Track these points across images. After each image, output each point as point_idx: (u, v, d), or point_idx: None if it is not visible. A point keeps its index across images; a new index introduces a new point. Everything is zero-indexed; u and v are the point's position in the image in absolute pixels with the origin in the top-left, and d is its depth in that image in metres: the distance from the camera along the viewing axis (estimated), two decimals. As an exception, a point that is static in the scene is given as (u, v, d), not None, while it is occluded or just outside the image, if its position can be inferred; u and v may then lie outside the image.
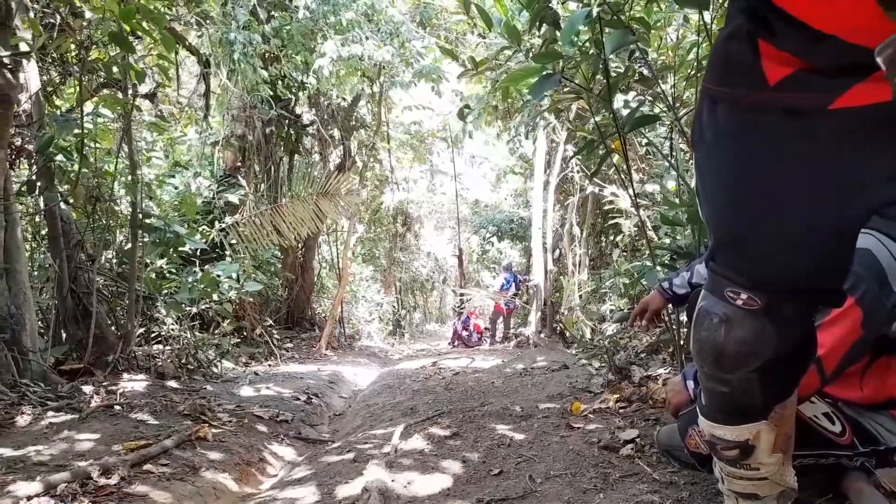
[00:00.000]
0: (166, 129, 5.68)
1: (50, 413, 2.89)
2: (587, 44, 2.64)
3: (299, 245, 8.44)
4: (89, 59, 3.79)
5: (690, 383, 1.66)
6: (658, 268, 2.99)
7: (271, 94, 7.03)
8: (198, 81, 6.57)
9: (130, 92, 4.07)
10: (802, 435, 1.33)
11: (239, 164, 7.74)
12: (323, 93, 7.19)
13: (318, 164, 8.85)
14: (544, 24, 2.86)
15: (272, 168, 7.96)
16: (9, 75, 2.88)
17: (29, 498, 1.83)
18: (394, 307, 15.06)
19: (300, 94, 7.77)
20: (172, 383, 4.11)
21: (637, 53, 2.73)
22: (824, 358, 1.26)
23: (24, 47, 3.30)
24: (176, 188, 7.41)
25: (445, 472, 2.09)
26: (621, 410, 2.65)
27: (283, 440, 3.28)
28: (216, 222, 7.40)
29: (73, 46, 3.63)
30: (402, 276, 16.33)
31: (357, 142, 8.99)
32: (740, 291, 1.00)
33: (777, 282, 0.98)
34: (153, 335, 4.96)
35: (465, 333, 11.14)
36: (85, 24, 3.52)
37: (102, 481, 2.06)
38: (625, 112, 2.95)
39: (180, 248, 4.58)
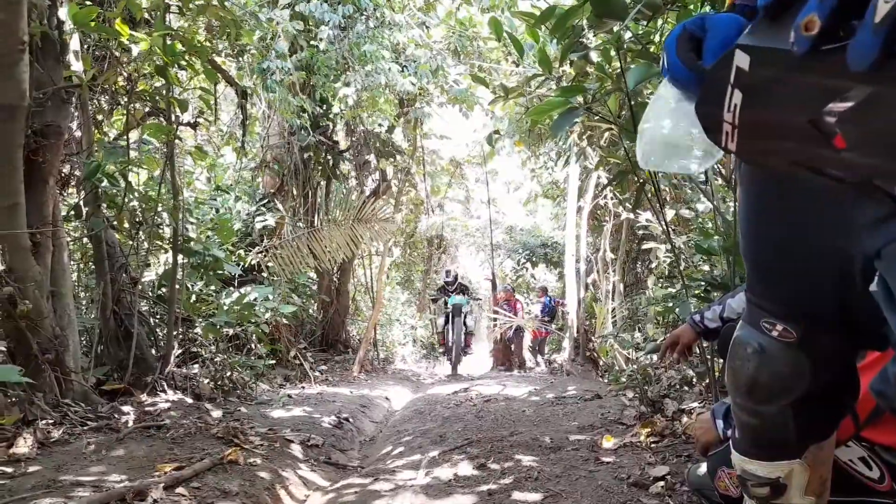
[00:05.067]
0: (205, 158, 5.87)
1: (89, 433, 2.97)
2: (614, 74, 2.64)
3: (334, 269, 8.55)
4: (136, 90, 3.96)
5: (720, 422, 1.63)
6: (692, 299, 2.95)
7: (309, 121, 7.21)
8: (236, 111, 6.78)
9: (174, 120, 4.22)
10: (838, 480, 1.28)
11: (277, 188, 7.91)
12: (359, 120, 7.32)
13: (354, 189, 8.98)
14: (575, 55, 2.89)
15: (309, 192, 8.12)
16: (60, 107, 3.03)
17: (65, 518, 1.89)
18: (427, 329, 15.06)
19: (337, 120, 7.93)
20: (208, 405, 4.19)
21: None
22: (858, 402, 1.23)
23: (75, 80, 3.49)
24: (217, 210, 7.63)
25: (471, 504, 2.08)
26: (653, 445, 2.59)
27: (312, 465, 3.30)
28: (254, 245, 7.57)
29: (120, 79, 3.80)
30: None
31: (392, 167, 9.11)
32: (776, 322, 1.00)
33: (807, 314, 0.98)
34: (191, 357, 5.08)
35: (506, 306, 10.83)
36: (132, 58, 3.69)
37: (136, 503, 2.11)
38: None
39: (218, 272, 4.68)
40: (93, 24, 3.33)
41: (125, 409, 3.48)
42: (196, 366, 5.04)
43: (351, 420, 4.51)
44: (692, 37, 0.83)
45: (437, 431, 3.73)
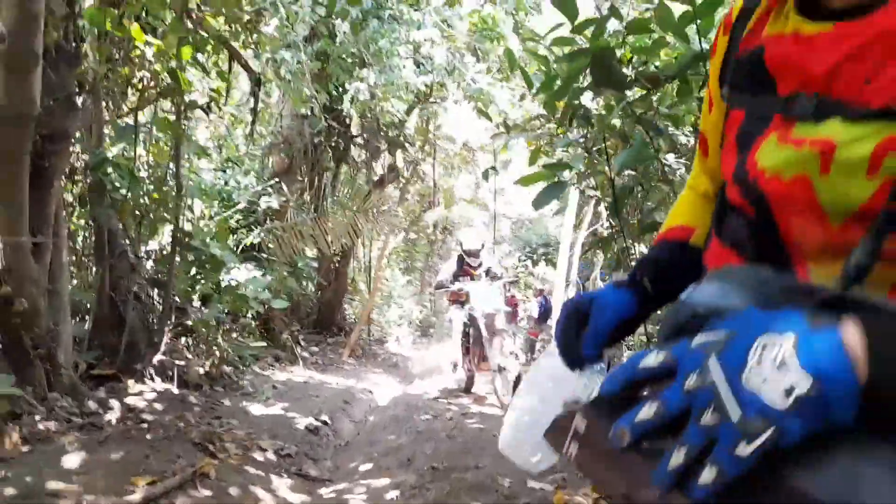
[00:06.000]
0: (208, 155, 5.95)
1: (73, 431, 3.12)
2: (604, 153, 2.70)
3: (335, 253, 8.66)
4: (148, 86, 4.02)
5: None
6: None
7: (323, 107, 7.24)
8: (248, 96, 6.82)
9: (182, 116, 4.29)
10: None
11: (286, 169, 7.98)
12: (371, 111, 7.35)
13: (363, 174, 9.04)
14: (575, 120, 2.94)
15: (317, 176, 8.19)
16: (69, 112, 3.10)
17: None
18: (421, 311, 15.26)
19: (351, 105, 7.95)
20: (192, 396, 4.34)
21: (658, 158, 2.77)
22: None
23: (90, 73, 3.56)
24: (226, 183, 7.72)
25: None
26: (602, 507, 2.71)
27: (283, 475, 3.45)
28: (258, 224, 7.67)
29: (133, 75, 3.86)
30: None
31: (403, 157, 9.15)
32: None
33: None
34: (183, 342, 5.23)
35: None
36: (146, 59, 3.74)
37: (106, 526, 2.25)
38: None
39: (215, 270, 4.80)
40: (108, 25, 3.39)
41: (111, 402, 3.64)
42: (186, 351, 5.20)
43: (328, 423, 4.65)
44: (579, 312, 0.81)
45: (408, 451, 3.87)
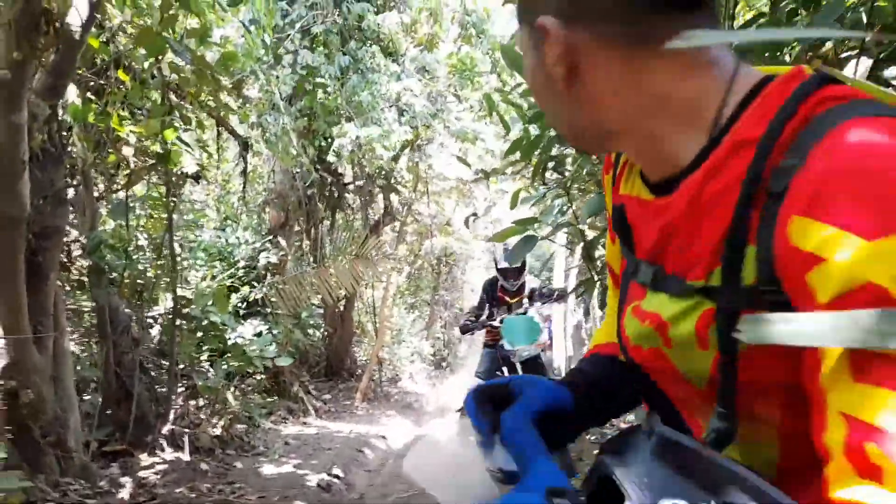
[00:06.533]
0: (203, 224, 6.11)
1: (86, 515, 3.19)
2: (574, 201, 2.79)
3: (338, 302, 8.75)
4: (136, 168, 4.16)
5: None
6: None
7: (313, 160, 7.41)
8: (237, 161, 7.01)
9: (172, 193, 4.43)
10: None
11: (283, 222, 8.12)
12: (359, 161, 7.52)
13: (358, 220, 9.18)
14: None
15: (313, 227, 8.33)
16: (59, 208, 3.24)
17: None
18: (433, 346, 15.27)
19: (341, 153, 8.12)
20: (204, 465, 4.40)
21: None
22: None
23: (79, 161, 3.71)
24: (227, 241, 7.87)
25: None
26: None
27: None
28: (259, 280, 7.79)
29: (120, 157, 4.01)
30: (445, 314, 16.60)
31: (397, 199, 9.30)
32: None
33: None
34: (193, 405, 5.30)
35: None
36: (131, 143, 3.90)
37: None
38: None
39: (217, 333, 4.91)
40: (92, 119, 3.54)
41: (122, 479, 3.71)
42: (199, 413, 5.27)
43: (341, 477, 4.69)
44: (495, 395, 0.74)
45: (420, 501, 3.91)
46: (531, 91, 0.71)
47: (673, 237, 0.60)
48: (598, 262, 3.05)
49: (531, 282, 5.16)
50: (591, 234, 2.98)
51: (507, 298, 5.02)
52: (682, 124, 0.59)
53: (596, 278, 2.97)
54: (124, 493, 3.52)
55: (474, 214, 3.82)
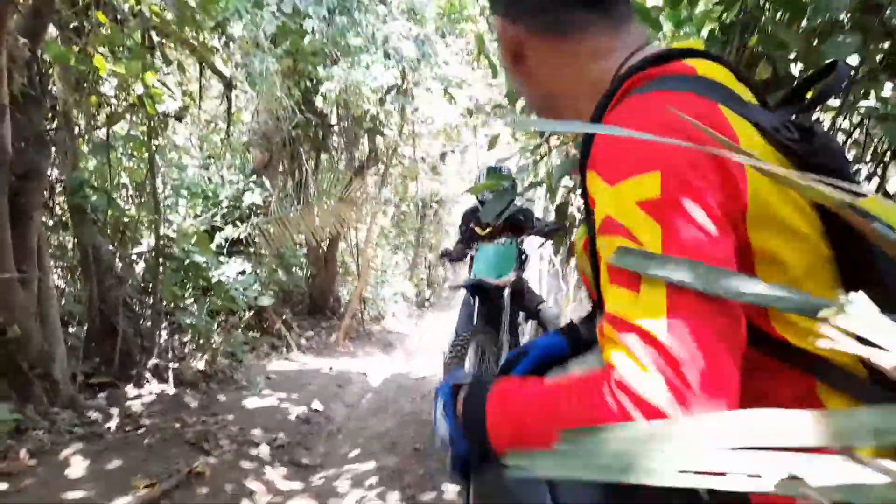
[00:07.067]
0: (186, 165, 6.11)
1: (76, 441, 3.38)
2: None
3: (322, 242, 8.86)
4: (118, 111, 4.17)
5: None
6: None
7: (298, 100, 7.37)
8: (220, 101, 6.95)
9: (154, 134, 4.45)
10: None
11: (266, 163, 8.13)
12: (345, 103, 7.48)
13: (343, 161, 9.19)
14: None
15: (296, 168, 8.35)
16: (41, 149, 3.29)
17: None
18: (417, 287, 15.52)
19: (327, 97, 8.06)
20: (188, 398, 4.59)
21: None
22: None
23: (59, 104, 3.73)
24: (210, 180, 7.90)
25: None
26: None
27: (276, 466, 3.72)
28: (242, 220, 7.86)
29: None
30: (429, 256, 16.80)
31: (382, 141, 9.28)
32: None
33: None
34: (178, 341, 5.47)
35: None
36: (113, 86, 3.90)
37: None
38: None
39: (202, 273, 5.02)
40: (72, 61, 3.54)
41: (110, 410, 3.90)
42: (183, 349, 5.45)
43: (320, 410, 4.92)
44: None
45: (393, 435, 4.16)
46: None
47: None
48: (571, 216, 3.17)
49: (518, 218, 4.27)
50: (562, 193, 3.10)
51: (478, 230, 4.55)
52: (591, 101, 0.77)
53: (563, 235, 3.09)
54: (112, 424, 3.70)
55: (452, 150, 3.83)
